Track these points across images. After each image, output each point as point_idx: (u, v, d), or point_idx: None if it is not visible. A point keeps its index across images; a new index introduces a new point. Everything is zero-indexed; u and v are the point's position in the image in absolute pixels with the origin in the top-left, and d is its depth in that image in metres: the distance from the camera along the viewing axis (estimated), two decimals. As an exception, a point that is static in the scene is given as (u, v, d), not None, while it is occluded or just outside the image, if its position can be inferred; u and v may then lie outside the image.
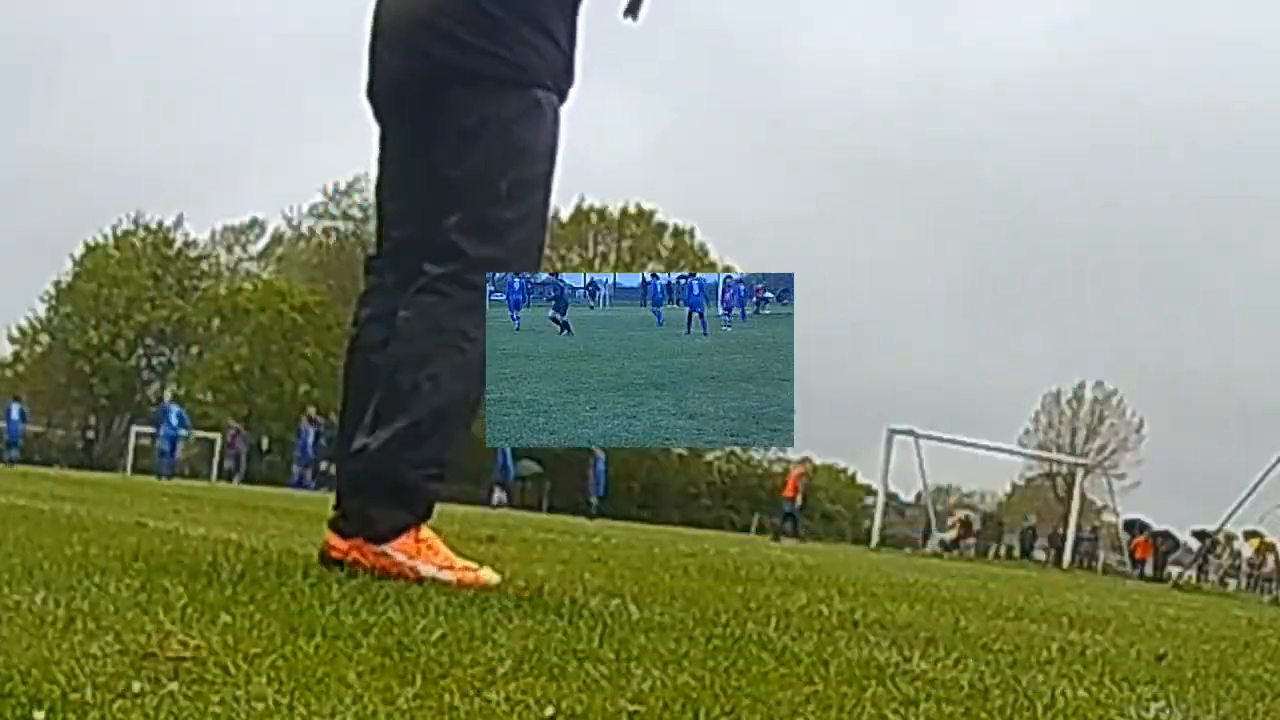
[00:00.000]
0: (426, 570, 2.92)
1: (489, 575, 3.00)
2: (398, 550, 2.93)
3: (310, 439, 31.68)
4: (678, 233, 50.18)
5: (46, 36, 61.61)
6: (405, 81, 3.11)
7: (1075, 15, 70.39)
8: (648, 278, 3.01)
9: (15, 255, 59.20)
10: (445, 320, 3.00)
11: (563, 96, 3.14)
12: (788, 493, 28.92)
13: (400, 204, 3.19)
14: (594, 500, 29.96)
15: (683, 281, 2.98)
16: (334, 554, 2.96)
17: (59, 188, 60.69)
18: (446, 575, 2.93)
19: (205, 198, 66.12)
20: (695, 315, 2.92)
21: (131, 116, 66.32)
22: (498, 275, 3.00)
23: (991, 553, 35.77)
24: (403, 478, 2.97)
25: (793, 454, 36.32)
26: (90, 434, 39.47)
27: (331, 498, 3.15)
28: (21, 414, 31.86)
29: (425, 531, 3.02)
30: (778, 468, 51.15)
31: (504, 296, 3.01)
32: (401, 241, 3.17)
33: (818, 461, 52.70)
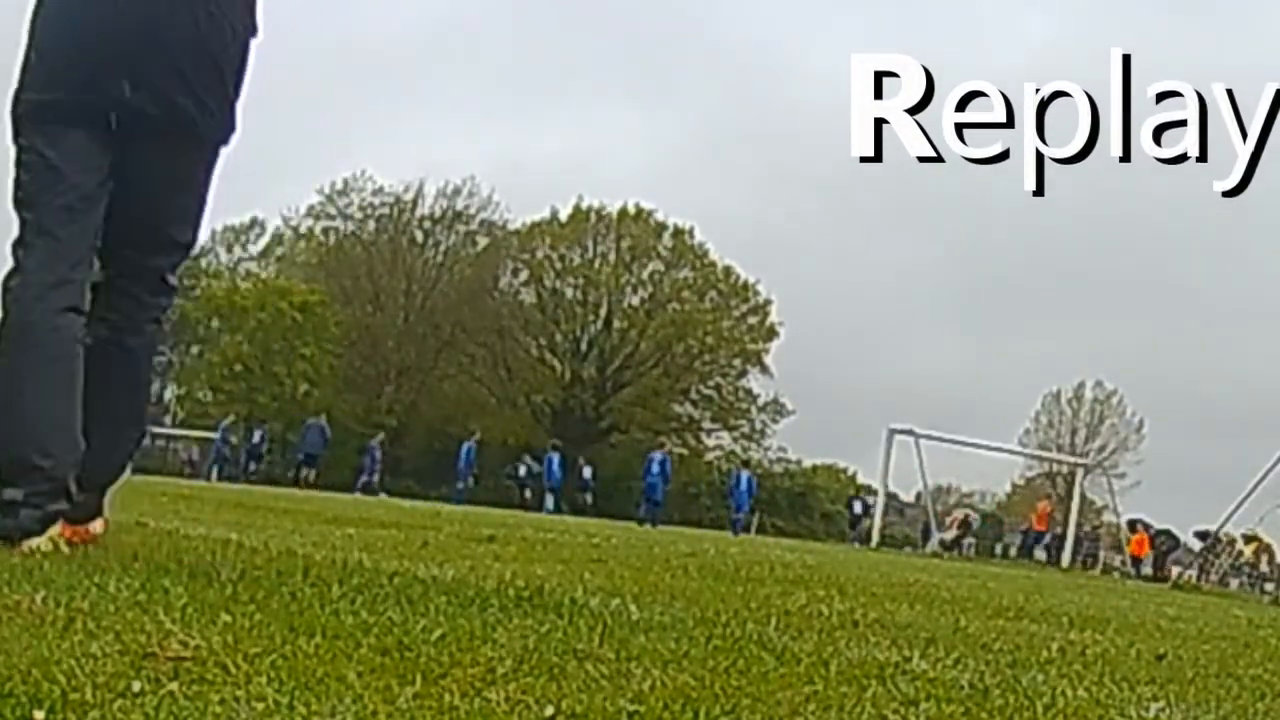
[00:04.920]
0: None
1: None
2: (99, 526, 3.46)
3: (554, 464, 31.26)
4: (677, 232, 50.00)
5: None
6: None
7: (1063, 23, 70.28)
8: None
9: (15, 255, 59.09)
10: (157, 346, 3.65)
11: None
12: (1038, 525, 32.16)
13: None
14: (739, 517, 30.07)
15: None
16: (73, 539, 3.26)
17: (59, 187, 60.52)
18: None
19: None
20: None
21: (131, 116, 66.18)
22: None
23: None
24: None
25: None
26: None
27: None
28: (321, 430, 31.57)
29: None
30: (778, 468, 51.02)
31: None
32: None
33: (816, 462, 52.76)
